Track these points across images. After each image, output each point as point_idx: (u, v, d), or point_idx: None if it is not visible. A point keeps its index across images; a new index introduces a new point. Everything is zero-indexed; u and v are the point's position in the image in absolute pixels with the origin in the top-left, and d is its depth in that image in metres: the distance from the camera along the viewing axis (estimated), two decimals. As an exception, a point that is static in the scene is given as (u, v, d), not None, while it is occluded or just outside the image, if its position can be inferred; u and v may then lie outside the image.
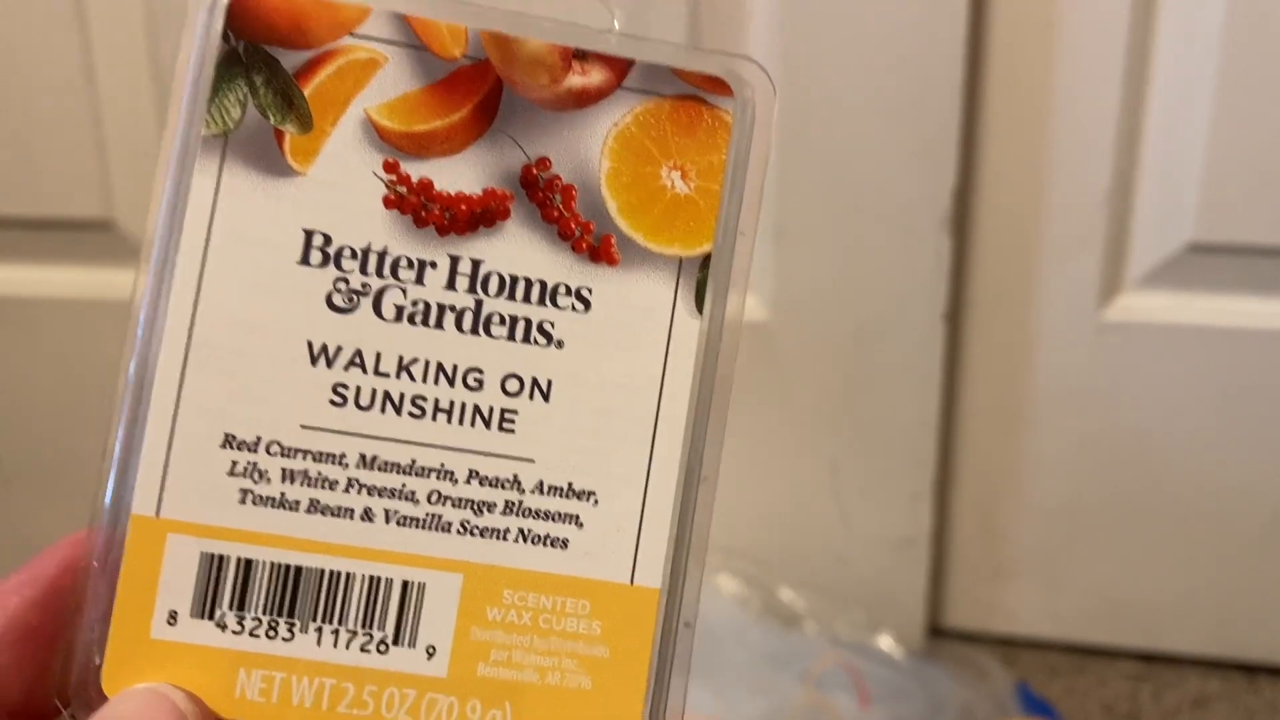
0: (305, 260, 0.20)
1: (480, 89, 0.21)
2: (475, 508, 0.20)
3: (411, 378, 0.20)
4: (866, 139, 0.49)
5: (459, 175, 0.20)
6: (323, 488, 0.20)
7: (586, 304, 0.21)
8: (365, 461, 0.20)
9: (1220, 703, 0.56)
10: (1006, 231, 0.52)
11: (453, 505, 0.20)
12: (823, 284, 0.52)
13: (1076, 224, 0.51)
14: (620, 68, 0.21)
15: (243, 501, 0.20)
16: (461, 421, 0.20)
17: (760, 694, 0.47)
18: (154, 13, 0.51)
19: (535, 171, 0.21)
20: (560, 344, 0.21)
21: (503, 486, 0.20)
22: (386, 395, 0.20)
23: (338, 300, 0.20)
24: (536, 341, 0.20)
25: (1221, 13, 0.47)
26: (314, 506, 0.20)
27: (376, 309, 0.20)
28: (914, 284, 0.51)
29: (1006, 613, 0.59)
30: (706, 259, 0.21)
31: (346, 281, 0.20)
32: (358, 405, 0.20)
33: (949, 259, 0.51)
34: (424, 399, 0.20)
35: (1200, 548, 0.56)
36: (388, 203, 0.20)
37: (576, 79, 0.21)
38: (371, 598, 0.20)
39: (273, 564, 0.20)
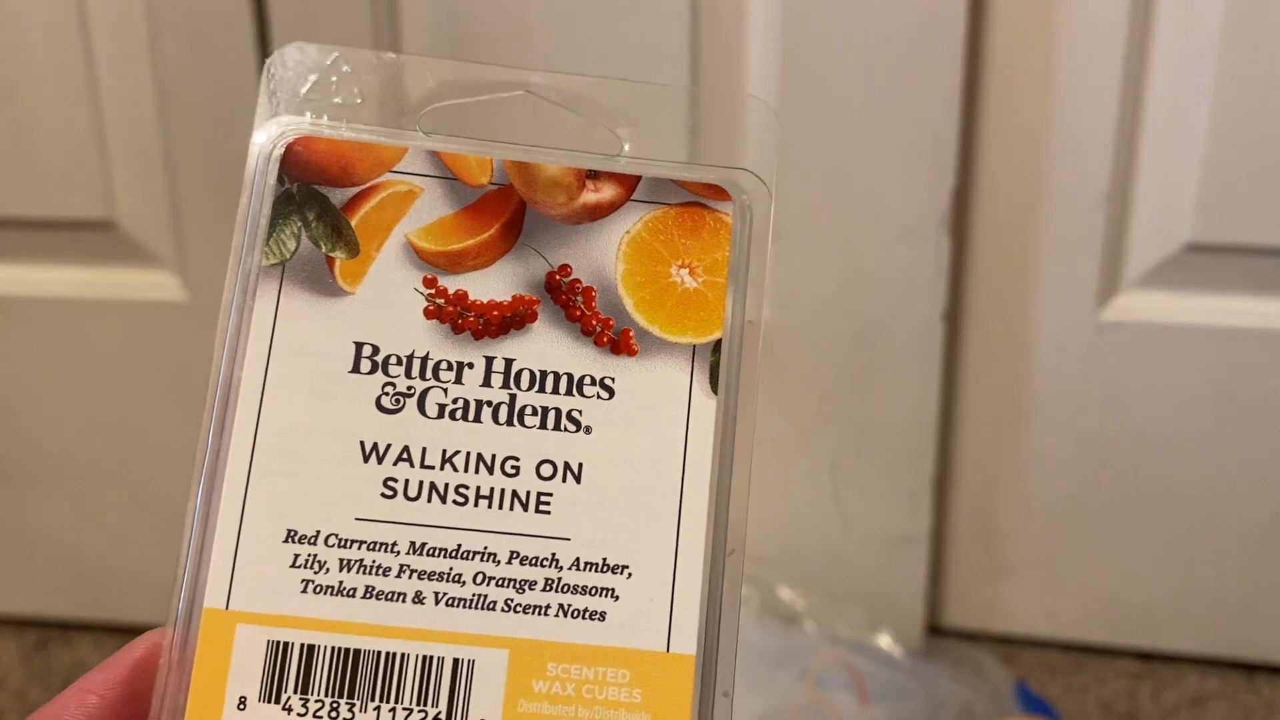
0: (356, 369, 0.22)
1: (506, 210, 0.23)
2: (518, 586, 0.22)
3: (454, 468, 0.22)
4: (866, 140, 0.50)
5: (490, 285, 0.23)
6: (377, 574, 0.22)
7: (610, 392, 0.23)
8: (415, 548, 0.22)
9: (1218, 701, 0.55)
10: (1005, 232, 0.53)
11: (497, 585, 0.22)
12: (822, 284, 0.52)
13: (1075, 225, 0.52)
14: (629, 183, 0.24)
15: (304, 591, 0.21)
16: (501, 506, 0.22)
17: (760, 692, 0.46)
18: (155, 13, 0.52)
19: (558, 277, 0.23)
20: (588, 429, 0.22)
21: (542, 565, 0.22)
22: (432, 486, 0.22)
23: (386, 402, 0.22)
24: (566, 429, 0.22)
25: (1219, 14, 0.48)
26: (369, 592, 0.21)
27: (421, 408, 0.22)
28: (913, 284, 0.51)
29: (1005, 612, 0.58)
30: (718, 344, 0.23)
31: (393, 385, 0.22)
32: (406, 496, 0.22)
33: (948, 259, 0.51)
34: (466, 487, 0.22)
35: (1199, 547, 0.55)
36: (428, 313, 0.23)
37: (590, 196, 0.23)
38: (425, 676, 0.21)
39: (333, 648, 0.21)
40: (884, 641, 0.53)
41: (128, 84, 0.54)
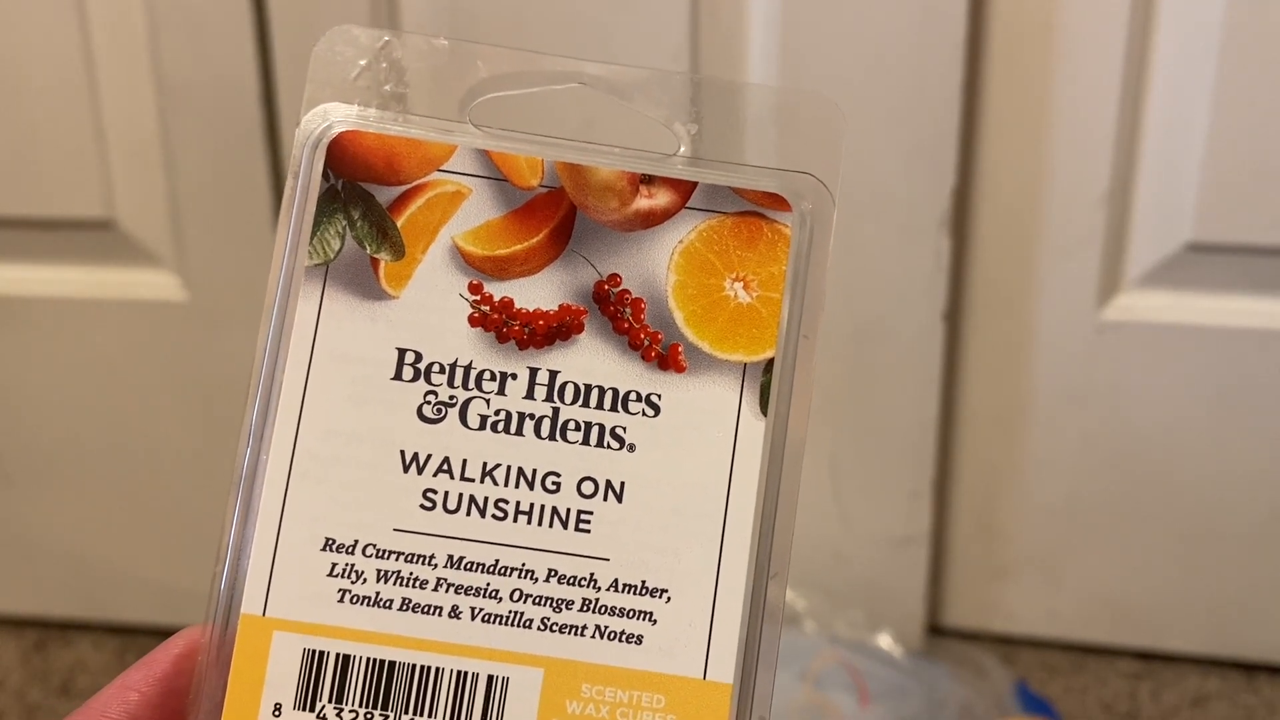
0: (398, 376, 0.22)
1: (555, 214, 0.23)
2: (555, 605, 0.21)
3: (495, 482, 0.22)
4: (866, 139, 0.50)
5: (537, 293, 0.22)
6: (414, 587, 0.21)
7: (656, 409, 0.22)
8: (453, 562, 0.21)
9: (1219, 701, 0.55)
10: (1006, 231, 0.53)
11: (534, 603, 0.21)
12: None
13: (1075, 224, 0.52)
14: (685, 189, 0.23)
15: (341, 600, 0.21)
16: (541, 523, 0.22)
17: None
18: (154, 13, 0.51)
19: (607, 287, 0.22)
20: (632, 447, 0.22)
21: (580, 584, 0.21)
22: (472, 499, 0.22)
23: (427, 412, 0.22)
24: (610, 445, 0.22)
25: (1220, 14, 0.48)
26: (406, 605, 0.21)
27: (463, 419, 0.22)
28: (914, 284, 0.51)
29: (1005, 611, 0.58)
30: (770, 363, 0.22)
31: (435, 394, 0.22)
32: (445, 509, 0.21)
33: (948, 259, 0.51)
34: (506, 502, 0.22)
35: (1199, 547, 0.55)
36: (472, 321, 0.22)
37: (644, 202, 0.23)
38: (459, 691, 0.21)
39: (368, 659, 0.21)
40: (884, 641, 0.53)
41: (128, 84, 0.53)
